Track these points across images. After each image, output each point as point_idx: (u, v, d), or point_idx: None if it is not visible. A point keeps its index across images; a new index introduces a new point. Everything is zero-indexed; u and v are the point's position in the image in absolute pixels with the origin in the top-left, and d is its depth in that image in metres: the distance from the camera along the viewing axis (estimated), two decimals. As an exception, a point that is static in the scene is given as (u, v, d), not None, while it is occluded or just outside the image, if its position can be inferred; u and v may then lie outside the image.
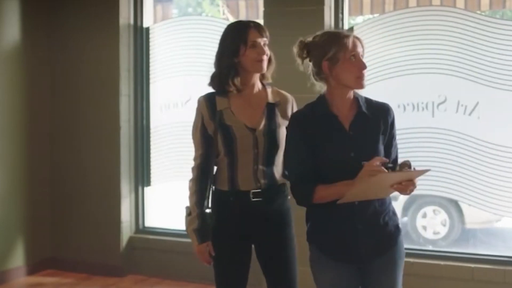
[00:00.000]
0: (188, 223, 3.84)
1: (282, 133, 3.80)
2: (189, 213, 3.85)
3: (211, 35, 6.78)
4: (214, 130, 3.80)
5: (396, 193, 3.47)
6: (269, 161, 3.82)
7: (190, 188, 3.86)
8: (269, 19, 6.26)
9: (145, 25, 7.09)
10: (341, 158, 3.31)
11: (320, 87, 3.50)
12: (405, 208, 7.60)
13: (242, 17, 7.80)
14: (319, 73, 3.47)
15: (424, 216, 7.54)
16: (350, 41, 3.36)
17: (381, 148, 3.43)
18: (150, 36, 7.09)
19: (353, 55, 3.36)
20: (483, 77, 5.80)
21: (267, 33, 3.90)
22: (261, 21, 6.69)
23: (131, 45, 6.99)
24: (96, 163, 7.03)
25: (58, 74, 7.18)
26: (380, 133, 3.44)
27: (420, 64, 5.98)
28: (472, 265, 5.78)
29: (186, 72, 6.92)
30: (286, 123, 3.74)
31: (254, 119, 3.80)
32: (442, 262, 5.89)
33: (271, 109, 3.86)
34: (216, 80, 3.84)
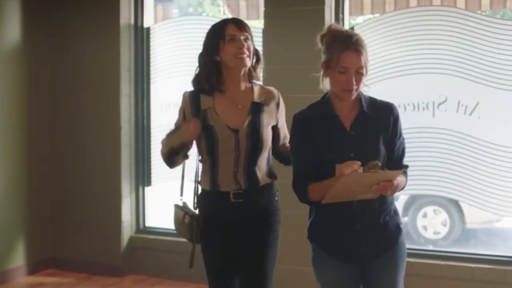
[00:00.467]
0: (168, 139, 3.82)
1: (267, 133, 3.80)
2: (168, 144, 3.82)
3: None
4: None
5: (396, 193, 3.50)
6: (251, 163, 3.78)
7: (161, 149, 3.87)
8: (269, 19, 6.27)
9: (145, 25, 7.09)
10: (341, 158, 3.29)
11: (324, 86, 3.50)
12: (406, 208, 7.59)
13: (243, 17, 7.79)
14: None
15: (425, 216, 7.54)
16: (342, 55, 3.32)
17: (383, 148, 3.43)
18: (151, 36, 7.08)
19: (344, 68, 3.33)
20: (484, 77, 5.81)
21: (248, 28, 3.81)
22: (261, 21, 6.71)
23: (131, 45, 6.99)
24: (96, 163, 7.04)
25: (58, 74, 7.19)
26: (382, 133, 3.44)
27: (421, 64, 5.98)
28: (473, 265, 5.78)
29: (187, 72, 6.84)
30: (272, 122, 3.84)
31: (238, 120, 3.76)
32: (442, 262, 5.90)
33: (256, 109, 3.81)
34: (196, 79, 3.83)
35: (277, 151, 4.01)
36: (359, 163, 3.22)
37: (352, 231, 3.44)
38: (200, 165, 3.89)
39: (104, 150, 6.99)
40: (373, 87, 5.79)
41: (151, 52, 7.10)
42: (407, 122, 5.85)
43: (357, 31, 6.01)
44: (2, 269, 6.75)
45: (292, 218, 6.04)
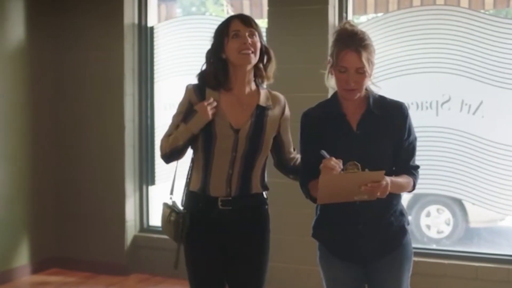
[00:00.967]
0: (181, 132, 3.60)
1: (268, 139, 3.65)
2: (175, 137, 3.61)
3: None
4: None
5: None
6: (247, 167, 3.61)
7: (163, 144, 3.66)
8: (273, 18, 6.29)
9: (149, 24, 7.10)
10: (346, 158, 3.29)
11: (329, 83, 3.51)
12: (409, 207, 7.57)
13: (246, 16, 7.82)
14: None
15: (428, 215, 7.53)
16: (341, 55, 3.33)
17: (389, 147, 3.42)
18: (155, 35, 7.10)
19: (344, 67, 3.34)
20: (487, 76, 5.81)
21: (255, 24, 3.63)
22: (265, 20, 6.72)
23: (135, 44, 7.00)
24: (100, 162, 7.05)
25: (62, 74, 7.20)
26: (389, 132, 3.43)
27: (424, 63, 5.99)
28: (476, 264, 5.79)
29: (191, 71, 6.83)
30: (275, 129, 3.69)
31: (240, 120, 3.61)
32: (446, 261, 5.91)
33: (260, 112, 3.65)
34: (201, 74, 3.69)
35: (283, 163, 3.85)
36: (340, 163, 3.20)
37: (355, 231, 3.44)
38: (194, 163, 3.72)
39: (108, 149, 7.00)
40: (372, 88, 5.89)
41: (155, 51, 7.11)
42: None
43: (360, 30, 6.05)
44: (6, 268, 6.77)
45: (296, 217, 6.08)
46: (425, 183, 5.98)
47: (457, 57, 5.89)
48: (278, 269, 6.27)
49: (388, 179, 3.22)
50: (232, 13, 8.09)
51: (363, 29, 5.83)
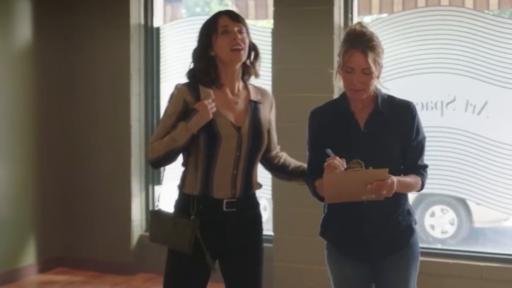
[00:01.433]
0: (180, 133, 3.43)
1: (265, 133, 3.57)
2: (175, 137, 3.43)
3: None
4: None
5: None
6: (250, 164, 3.52)
7: (156, 146, 3.46)
8: (279, 18, 6.30)
9: (155, 25, 7.12)
10: (354, 156, 3.32)
11: (337, 83, 3.52)
12: (413, 207, 7.49)
13: (251, 17, 7.82)
14: None
15: (432, 215, 7.52)
16: (347, 55, 3.35)
17: (397, 146, 3.43)
18: (161, 36, 7.12)
19: (350, 68, 3.35)
20: (492, 77, 5.83)
21: (243, 20, 3.53)
22: (270, 21, 6.74)
23: (141, 45, 7.02)
24: (107, 161, 7.07)
25: (69, 74, 7.22)
26: (397, 131, 3.44)
27: (429, 63, 6.02)
28: (482, 264, 5.81)
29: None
30: (268, 122, 3.61)
31: (239, 117, 3.51)
32: (451, 261, 5.93)
33: (254, 107, 3.58)
34: (191, 73, 3.55)
35: (269, 160, 3.77)
36: (343, 162, 3.22)
37: (362, 230, 3.45)
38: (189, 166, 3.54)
39: (114, 149, 7.02)
40: (380, 87, 5.92)
41: (161, 51, 7.13)
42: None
43: (366, 31, 6.07)
44: (13, 267, 6.78)
45: (301, 217, 6.10)
46: (430, 183, 5.89)
47: (462, 57, 5.91)
48: (283, 268, 6.30)
49: (394, 178, 3.23)
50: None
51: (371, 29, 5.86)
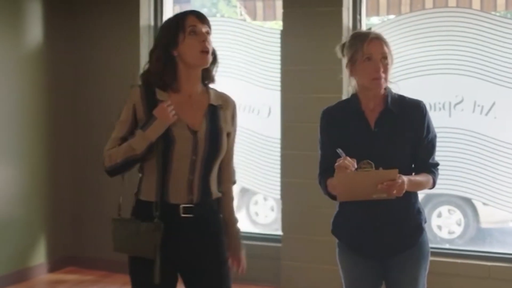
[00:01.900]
0: (138, 141, 3.23)
1: (225, 138, 3.36)
2: (132, 146, 3.25)
3: (229, 36, 6.91)
4: None
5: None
6: (207, 170, 3.31)
7: (113, 154, 3.34)
8: (288, 20, 6.34)
9: (165, 26, 7.13)
10: (364, 155, 3.35)
11: (353, 86, 3.56)
12: None
13: (259, 18, 7.85)
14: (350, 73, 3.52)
15: (439, 215, 7.53)
16: (365, 43, 3.40)
17: (407, 145, 3.46)
18: (170, 37, 7.13)
19: (368, 57, 3.40)
20: (500, 78, 5.86)
21: (209, 22, 3.34)
22: (278, 22, 6.77)
23: (151, 45, 7.04)
24: (117, 162, 7.10)
25: (79, 74, 7.25)
26: (407, 130, 3.47)
27: (437, 65, 6.05)
28: (489, 263, 5.83)
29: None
30: (229, 127, 3.40)
31: (195, 121, 3.30)
32: (459, 260, 5.95)
33: (213, 112, 3.36)
34: (146, 74, 3.33)
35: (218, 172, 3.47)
36: (354, 162, 3.25)
37: (372, 228, 3.49)
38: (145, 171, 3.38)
39: (124, 149, 7.05)
40: (391, 87, 5.95)
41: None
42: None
43: (374, 32, 6.11)
44: (24, 266, 6.82)
45: (310, 217, 6.13)
46: (437, 183, 6.02)
47: (469, 58, 5.95)
48: (290, 268, 6.34)
49: (404, 177, 3.26)
50: (245, 15, 8.17)
51: (377, 31, 5.92)
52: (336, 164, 3.26)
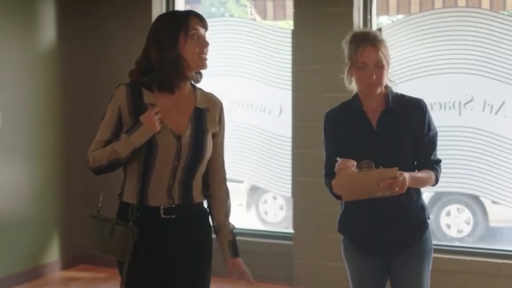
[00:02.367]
0: (122, 146, 3.17)
1: (210, 142, 3.27)
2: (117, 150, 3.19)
3: (239, 36, 6.97)
4: None
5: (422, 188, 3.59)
6: (189, 175, 3.22)
7: (97, 155, 3.29)
8: (299, 20, 6.37)
9: (176, 25, 7.16)
10: (366, 155, 3.39)
11: (351, 86, 3.59)
12: (429, 206, 7.52)
13: (270, 17, 7.88)
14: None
15: (448, 214, 7.54)
16: (359, 51, 3.43)
17: (409, 144, 3.49)
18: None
19: (361, 66, 3.43)
20: (509, 77, 5.89)
21: (207, 26, 3.27)
22: (288, 21, 6.81)
23: (163, 45, 7.09)
24: (129, 160, 7.13)
25: (93, 73, 7.29)
26: (408, 129, 3.50)
27: (447, 64, 6.08)
28: (499, 261, 5.86)
29: (220, 72, 7.04)
30: (214, 128, 3.30)
31: (180, 125, 3.22)
32: (468, 258, 5.98)
33: (199, 115, 3.26)
34: (138, 72, 3.26)
35: (206, 176, 3.38)
36: (354, 162, 3.30)
37: (376, 225, 3.54)
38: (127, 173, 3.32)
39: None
40: (401, 86, 5.91)
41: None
42: (434, 120, 5.97)
43: (384, 31, 6.13)
44: (37, 264, 6.88)
45: (322, 215, 6.18)
46: (447, 181, 6.07)
47: (479, 57, 5.97)
48: (302, 265, 6.38)
49: (406, 174, 3.29)
50: (256, 14, 8.20)
51: (387, 31, 5.95)
52: (336, 167, 3.33)
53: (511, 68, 5.89)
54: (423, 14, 6.28)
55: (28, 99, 6.80)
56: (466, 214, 7.53)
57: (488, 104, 5.94)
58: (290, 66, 6.52)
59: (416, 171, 3.51)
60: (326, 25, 6.18)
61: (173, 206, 3.21)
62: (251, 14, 8.41)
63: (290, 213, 7.85)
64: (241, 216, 8.27)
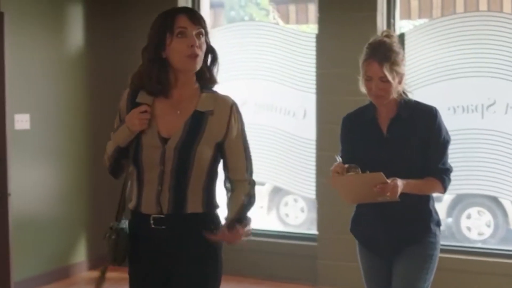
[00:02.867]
0: (109, 143, 3.19)
1: (204, 151, 3.04)
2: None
3: (263, 40, 7.03)
4: None
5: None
6: (178, 183, 3.02)
7: (104, 159, 3.27)
8: (323, 24, 6.45)
9: (203, 29, 7.21)
10: (376, 161, 3.48)
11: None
12: (450, 209, 7.62)
13: (292, 21, 7.95)
14: None
15: (469, 217, 7.57)
16: (365, 63, 3.52)
17: (417, 150, 3.53)
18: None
19: (368, 76, 3.51)
20: (532, 80, 5.94)
21: (203, 22, 3.07)
22: (310, 25, 6.87)
23: (189, 48, 7.15)
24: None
25: (120, 76, 7.27)
26: (417, 136, 3.54)
27: (470, 67, 6.12)
28: (521, 262, 5.89)
29: (243, 76, 7.14)
30: (217, 138, 3.06)
31: (172, 128, 3.05)
32: (490, 259, 6.02)
33: (197, 119, 3.05)
34: (137, 76, 3.17)
35: (225, 183, 3.20)
36: (344, 166, 3.38)
37: (383, 228, 3.61)
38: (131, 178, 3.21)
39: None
40: (424, 90, 6.09)
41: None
42: (456, 124, 6.01)
43: (407, 36, 6.19)
44: (66, 263, 6.97)
45: (344, 216, 6.24)
46: (470, 184, 6.14)
47: (501, 61, 6.01)
48: (326, 266, 6.45)
49: (398, 180, 3.34)
50: (278, 19, 8.26)
51: (410, 35, 5.97)
52: (331, 169, 3.43)
53: (533, 71, 5.93)
54: (445, 19, 6.33)
55: (57, 101, 6.88)
56: (487, 216, 7.54)
57: (511, 107, 5.97)
58: (313, 69, 6.59)
59: (421, 177, 3.54)
60: (349, 29, 6.23)
61: (163, 216, 3.04)
62: (274, 18, 8.47)
63: (311, 215, 7.91)
64: (262, 219, 8.36)
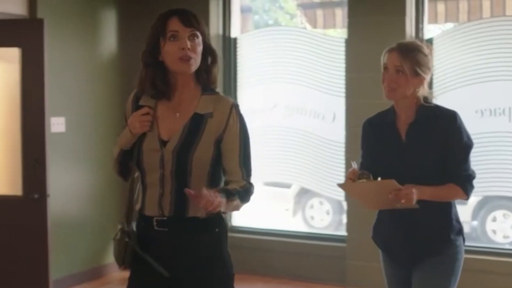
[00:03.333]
0: (116, 145, 3.18)
1: (203, 153, 3.02)
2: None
3: (292, 44, 7.12)
4: None
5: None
6: (179, 186, 2.98)
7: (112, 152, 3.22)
8: (352, 28, 6.53)
9: (232, 35, 7.32)
10: (393, 165, 3.51)
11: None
12: (475, 212, 7.64)
13: (320, 26, 7.99)
14: None
15: (494, 220, 7.56)
16: (386, 54, 3.55)
17: (435, 156, 3.48)
18: (237, 45, 7.32)
19: (385, 65, 3.54)
20: (558, 83, 5.98)
21: (197, 23, 3.05)
22: (337, 30, 6.94)
23: (220, 54, 7.26)
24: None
25: (152, 81, 7.48)
26: (436, 141, 3.49)
27: (497, 71, 6.18)
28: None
29: (272, 80, 7.22)
30: (217, 135, 3.03)
31: (171, 131, 3.06)
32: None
33: (197, 122, 3.03)
34: (138, 81, 3.18)
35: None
36: (356, 173, 3.38)
37: (403, 236, 3.59)
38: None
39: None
40: (452, 93, 6.15)
41: (238, 61, 7.33)
42: (483, 126, 6.05)
43: (435, 41, 6.27)
44: (98, 264, 7.11)
45: (362, 218, 6.32)
46: (496, 186, 6.21)
47: (529, 65, 6.05)
48: (355, 267, 6.55)
49: (413, 187, 3.32)
50: (306, 23, 8.32)
51: (438, 40, 5.98)
52: (350, 174, 3.44)
53: (560, 75, 5.97)
54: (472, 24, 6.40)
55: (91, 105, 7.00)
56: (513, 219, 7.57)
57: (538, 110, 6.05)
58: (342, 73, 6.68)
59: (439, 184, 3.50)
60: (379, 34, 6.30)
61: (165, 218, 3.03)
62: (302, 22, 8.52)
63: (337, 218, 7.95)
64: (288, 221, 8.43)
